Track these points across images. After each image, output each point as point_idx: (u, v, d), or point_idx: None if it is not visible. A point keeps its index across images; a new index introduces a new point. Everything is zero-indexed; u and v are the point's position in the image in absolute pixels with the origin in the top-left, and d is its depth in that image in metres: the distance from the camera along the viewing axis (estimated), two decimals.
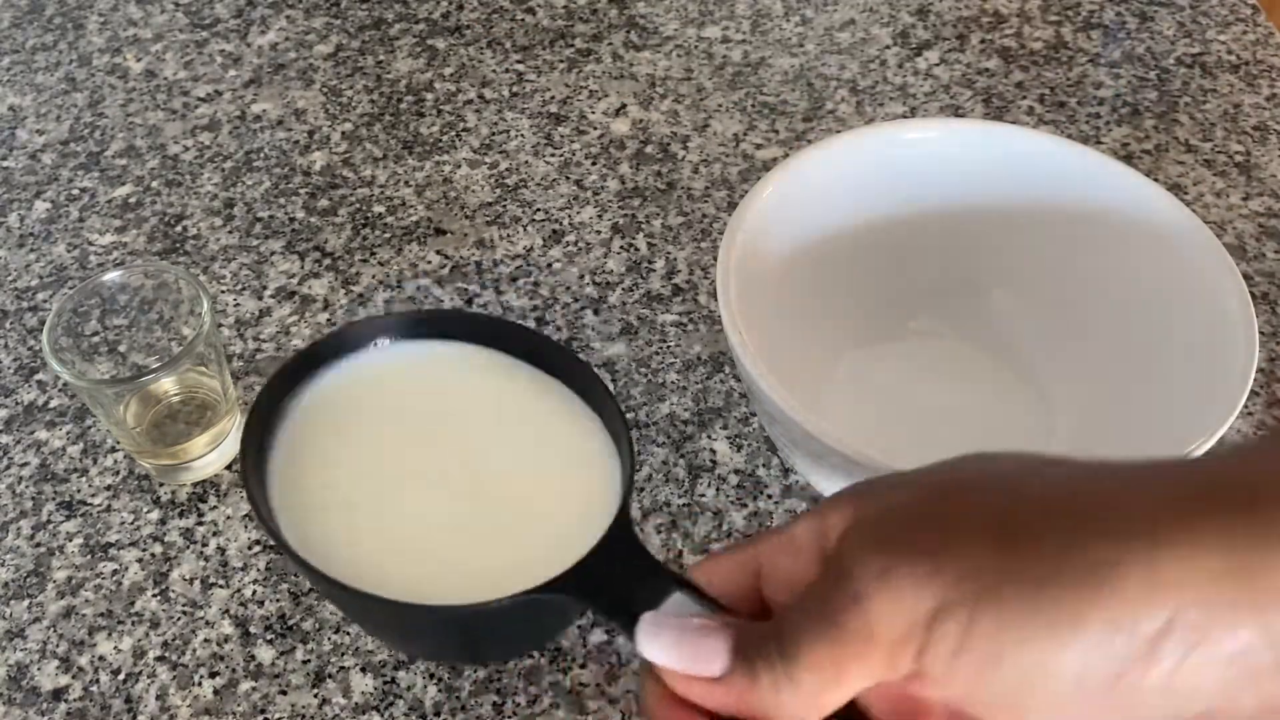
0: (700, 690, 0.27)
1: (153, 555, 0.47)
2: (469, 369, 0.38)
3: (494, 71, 0.68)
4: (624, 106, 0.65)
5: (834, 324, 0.50)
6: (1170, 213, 0.45)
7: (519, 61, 0.68)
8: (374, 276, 0.57)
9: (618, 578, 0.31)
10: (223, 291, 0.57)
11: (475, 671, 0.44)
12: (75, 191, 0.62)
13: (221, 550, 0.47)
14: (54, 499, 0.49)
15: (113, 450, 0.51)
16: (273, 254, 0.58)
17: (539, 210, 0.60)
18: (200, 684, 0.44)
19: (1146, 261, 0.45)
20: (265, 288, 0.57)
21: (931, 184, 0.49)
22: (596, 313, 0.55)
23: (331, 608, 0.46)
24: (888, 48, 0.68)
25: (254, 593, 0.46)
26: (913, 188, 0.49)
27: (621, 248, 0.58)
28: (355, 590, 0.31)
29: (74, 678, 0.44)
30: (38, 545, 0.48)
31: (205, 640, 0.45)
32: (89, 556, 0.47)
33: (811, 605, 0.26)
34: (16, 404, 0.53)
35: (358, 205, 0.60)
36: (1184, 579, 0.23)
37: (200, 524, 0.48)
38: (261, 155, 0.63)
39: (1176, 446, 0.38)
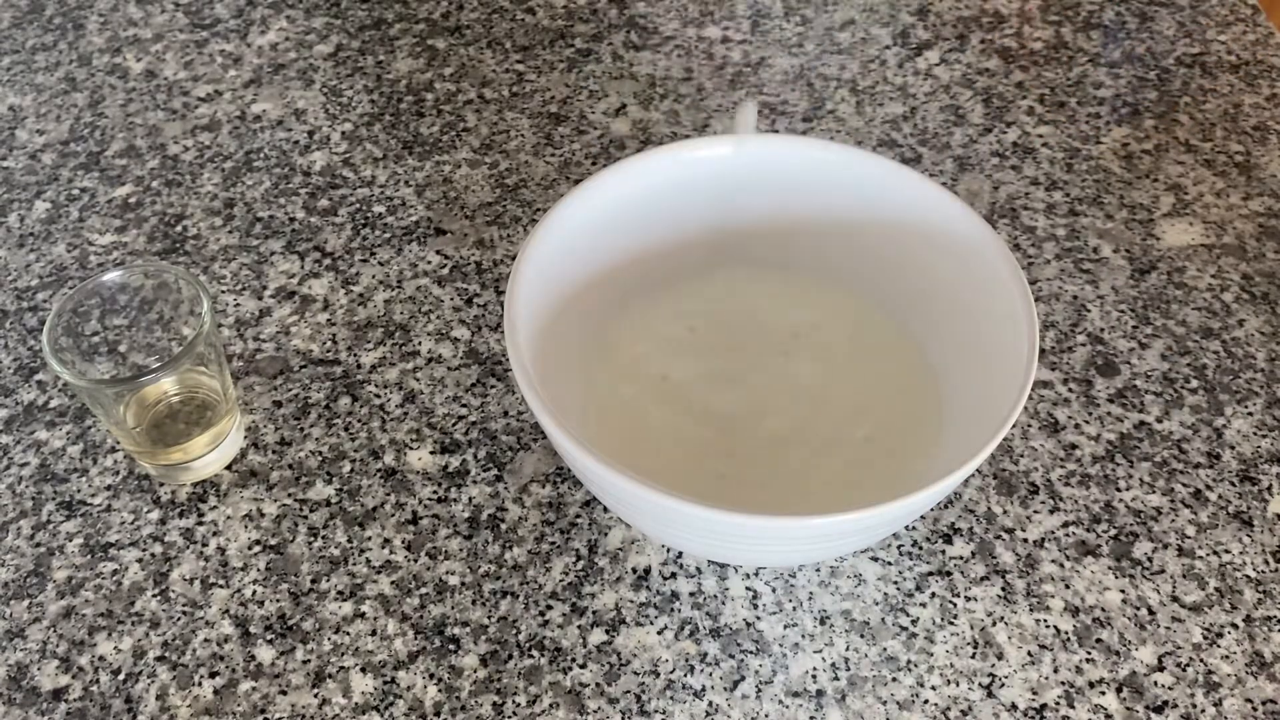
0: None
1: (153, 555, 0.47)
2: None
3: (494, 71, 0.68)
4: (624, 106, 0.65)
5: (641, 355, 0.50)
6: (958, 215, 0.46)
7: (519, 61, 0.68)
8: (374, 276, 0.57)
9: None
10: (223, 291, 0.57)
11: (475, 671, 0.44)
12: (75, 191, 0.62)
13: (221, 550, 0.47)
14: (54, 499, 0.49)
15: (113, 450, 0.51)
16: (273, 254, 0.58)
17: (539, 210, 0.60)
18: (200, 684, 0.44)
19: (938, 260, 0.47)
20: (265, 288, 0.57)
21: (725, 201, 0.50)
22: None
23: (331, 608, 0.46)
24: (888, 48, 0.68)
25: (254, 593, 0.46)
26: (705, 206, 0.50)
27: None
28: None
29: (74, 678, 0.44)
30: (38, 545, 0.48)
31: (205, 640, 0.45)
32: (89, 556, 0.47)
33: None
34: (16, 404, 0.53)
35: (358, 205, 0.61)
36: None
37: (200, 524, 0.48)
38: (261, 155, 0.63)
39: (978, 432, 0.40)
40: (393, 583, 0.46)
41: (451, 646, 0.45)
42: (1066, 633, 0.44)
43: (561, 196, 0.46)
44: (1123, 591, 0.46)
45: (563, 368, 0.46)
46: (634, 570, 0.46)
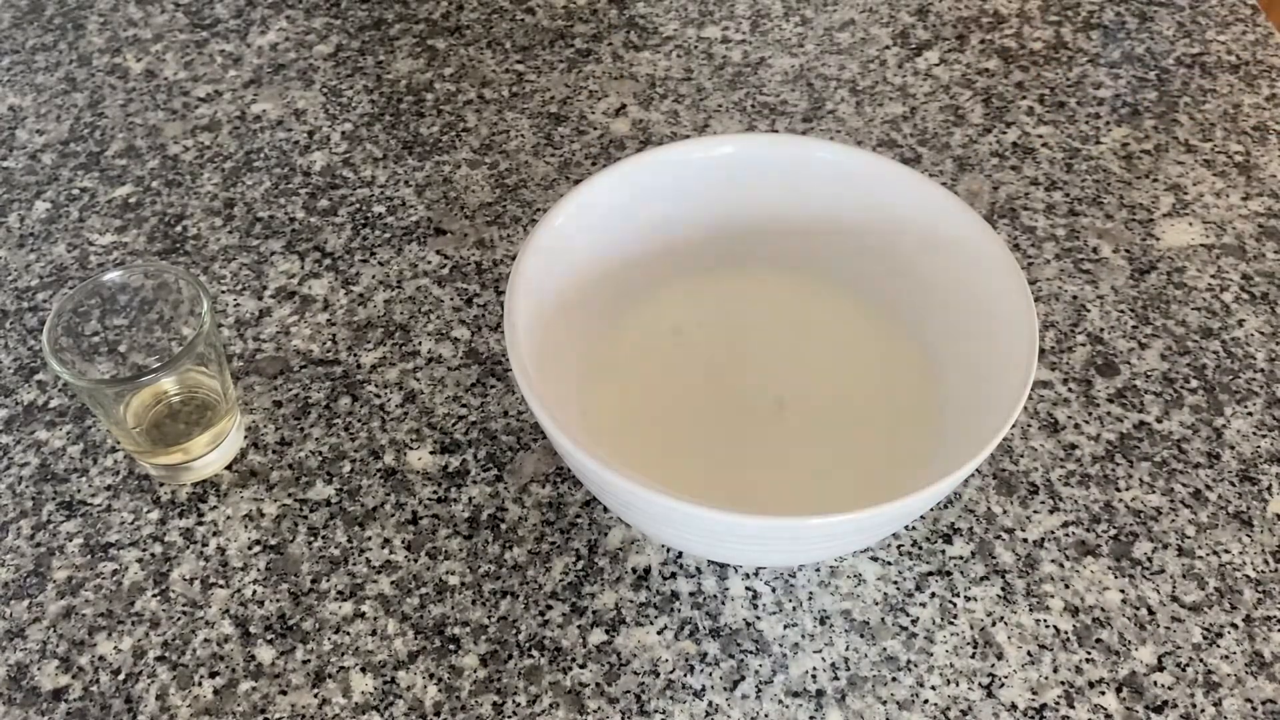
0: None
1: (153, 555, 0.47)
2: None
3: (494, 71, 0.68)
4: (624, 106, 0.65)
5: (650, 353, 0.50)
6: (958, 215, 0.46)
7: (519, 61, 0.68)
8: (374, 276, 0.57)
9: None
10: (223, 291, 0.57)
11: (475, 671, 0.44)
12: (75, 191, 0.62)
13: (221, 550, 0.47)
14: (54, 499, 0.49)
15: (113, 450, 0.51)
16: (273, 254, 0.58)
17: (539, 210, 0.60)
18: (200, 684, 0.44)
19: (938, 260, 0.47)
20: (265, 288, 0.57)
21: (725, 201, 0.50)
22: None
23: (331, 608, 0.46)
24: (888, 48, 0.68)
25: (254, 593, 0.46)
26: (706, 206, 0.50)
27: None
28: None
29: (74, 678, 0.44)
30: (38, 545, 0.48)
31: (205, 640, 0.45)
32: (89, 556, 0.48)
33: None
34: (16, 404, 0.53)
35: (358, 205, 0.61)
36: None
37: (200, 524, 0.48)
38: (261, 155, 0.63)
39: (978, 432, 0.40)
40: (393, 583, 0.46)
41: (451, 646, 0.45)
42: (1066, 633, 0.44)
43: (561, 196, 0.46)
44: (1122, 591, 0.46)
45: (563, 367, 0.46)
46: (634, 570, 0.46)
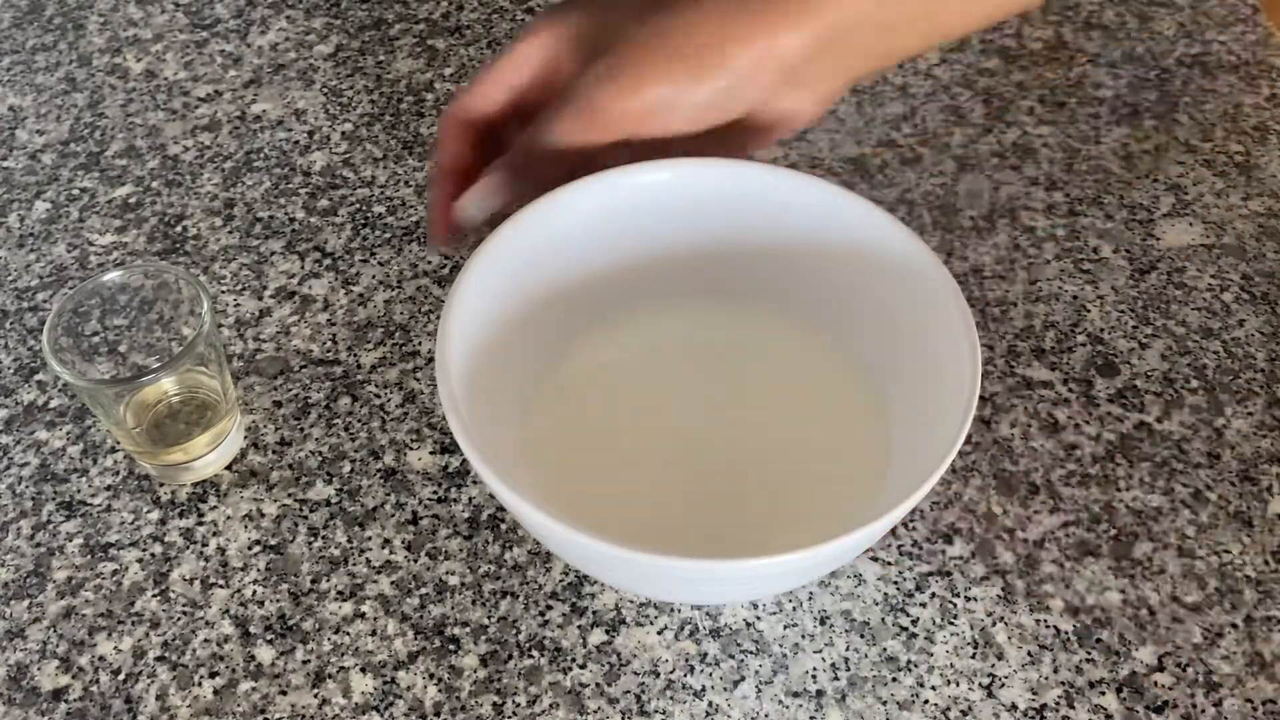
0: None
1: (153, 555, 0.47)
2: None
3: None
4: None
5: (586, 389, 0.48)
6: (898, 238, 0.44)
7: None
8: (374, 276, 0.57)
9: None
10: (223, 291, 0.57)
11: (475, 671, 0.44)
12: (75, 191, 0.62)
13: (221, 550, 0.47)
14: (54, 499, 0.49)
15: (113, 450, 0.51)
16: (273, 254, 0.58)
17: None
18: (200, 684, 0.44)
19: (882, 287, 0.45)
20: (265, 288, 0.57)
21: (664, 228, 0.48)
22: None
23: (331, 608, 0.46)
24: None
25: (254, 593, 0.46)
26: (644, 233, 0.48)
27: None
28: None
29: (74, 678, 0.44)
30: (38, 545, 0.48)
31: (205, 640, 0.45)
32: (89, 556, 0.48)
33: (562, 107, 0.43)
34: (16, 404, 0.53)
35: (358, 205, 0.61)
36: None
37: (200, 524, 0.48)
38: (261, 155, 0.63)
39: (928, 454, 0.39)
40: (393, 583, 0.46)
41: (451, 646, 0.45)
42: (1066, 633, 0.44)
43: (496, 229, 0.45)
44: (1123, 591, 0.46)
45: (503, 403, 0.44)
46: None
